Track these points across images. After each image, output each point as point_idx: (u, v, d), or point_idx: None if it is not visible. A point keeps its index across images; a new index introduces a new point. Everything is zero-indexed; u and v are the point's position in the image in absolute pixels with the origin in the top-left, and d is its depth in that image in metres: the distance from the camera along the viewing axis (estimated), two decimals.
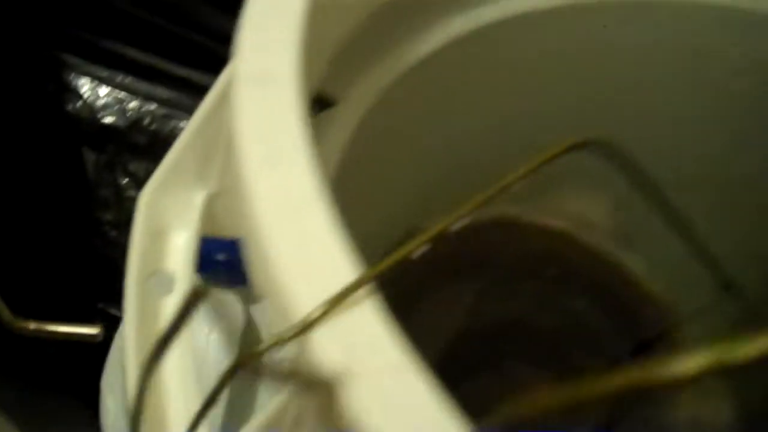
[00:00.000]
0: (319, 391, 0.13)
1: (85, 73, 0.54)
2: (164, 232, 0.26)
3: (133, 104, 0.55)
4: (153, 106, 0.55)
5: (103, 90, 0.54)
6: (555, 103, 0.31)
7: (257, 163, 0.16)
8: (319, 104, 0.24)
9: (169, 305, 0.26)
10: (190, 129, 0.24)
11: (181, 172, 0.25)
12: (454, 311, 0.26)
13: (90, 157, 0.55)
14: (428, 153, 0.29)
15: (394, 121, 0.27)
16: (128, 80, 0.55)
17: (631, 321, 0.27)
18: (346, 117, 0.26)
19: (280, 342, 0.13)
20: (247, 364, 0.14)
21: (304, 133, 0.16)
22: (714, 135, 0.35)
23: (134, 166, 0.57)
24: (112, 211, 0.57)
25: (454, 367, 0.28)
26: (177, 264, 0.26)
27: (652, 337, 0.26)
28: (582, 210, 0.30)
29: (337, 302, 0.14)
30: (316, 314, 0.14)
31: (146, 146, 0.56)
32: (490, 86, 0.30)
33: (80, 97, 0.54)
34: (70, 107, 0.53)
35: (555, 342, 0.27)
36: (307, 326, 0.13)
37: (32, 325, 0.42)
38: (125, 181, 0.56)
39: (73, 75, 0.53)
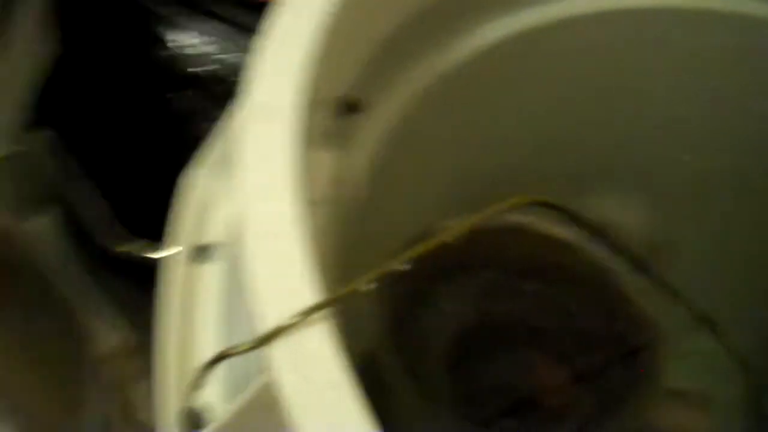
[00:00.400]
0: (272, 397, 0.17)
1: (174, 25, 0.58)
2: (206, 208, 0.30)
3: (218, 57, 0.59)
4: (235, 60, 0.59)
5: (190, 41, 0.58)
6: (585, 111, 0.32)
7: (252, 191, 0.19)
8: (347, 108, 0.27)
9: (208, 272, 0.29)
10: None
11: (222, 158, 0.29)
12: (463, 302, 0.29)
13: (176, 103, 0.59)
14: (455, 156, 0.31)
15: (426, 125, 0.30)
16: (215, 34, 0.58)
17: (623, 331, 0.29)
18: (380, 120, 0.29)
19: (243, 350, 0.17)
20: (223, 359, 0.18)
21: (295, 169, 0.19)
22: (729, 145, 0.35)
23: (215, 114, 0.61)
24: (195, 151, 0.61)
25: (469, 349, 0.30)
26: (217, 236, 0.30)
27: (639, 347, 0.28)
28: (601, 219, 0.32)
29: (297, 321, 0.17)
30: (276, 329, 0.17)
31: (226, 96, 0.60)
32: (523, 92, 0.31)
33: (168, 47, 0.58)
34: (158, 55, 0.58)
35: (554, 340, 0.30)
36: (266, 339, 0.17)
37: (126, 248, 0.47)
38: (207, 126, 0.61)
39: (162, 26, 0.57)
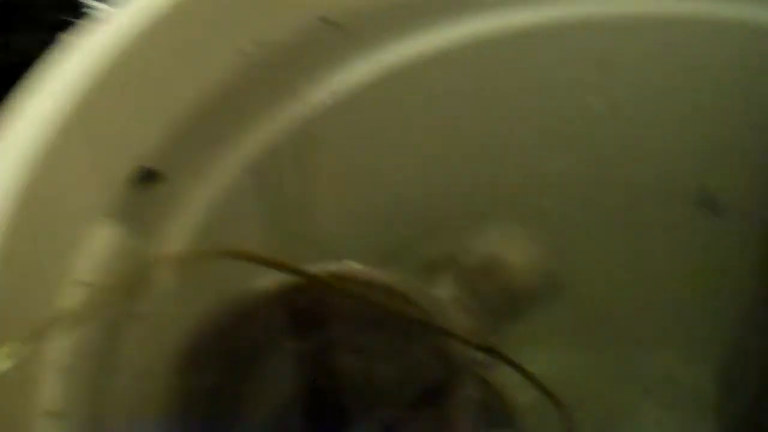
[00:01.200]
0: None
1: None
2: None
3: None
4: None
5: None
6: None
7: None
8: (147, 177, 0.26)
9: None
10: None
11: None
12: (298, 364, 0.27)
13: None
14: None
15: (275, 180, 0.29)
16: None
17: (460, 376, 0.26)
18: (199, 191, 0.28)
19: None
20: None
21: None
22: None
23: None
24: None
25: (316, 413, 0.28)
26: None
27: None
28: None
29: None
30: None
31: None
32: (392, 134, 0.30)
33: None
34: None
35: (400, 391, 0.27)
36: None
37: None
38: None
39: None
